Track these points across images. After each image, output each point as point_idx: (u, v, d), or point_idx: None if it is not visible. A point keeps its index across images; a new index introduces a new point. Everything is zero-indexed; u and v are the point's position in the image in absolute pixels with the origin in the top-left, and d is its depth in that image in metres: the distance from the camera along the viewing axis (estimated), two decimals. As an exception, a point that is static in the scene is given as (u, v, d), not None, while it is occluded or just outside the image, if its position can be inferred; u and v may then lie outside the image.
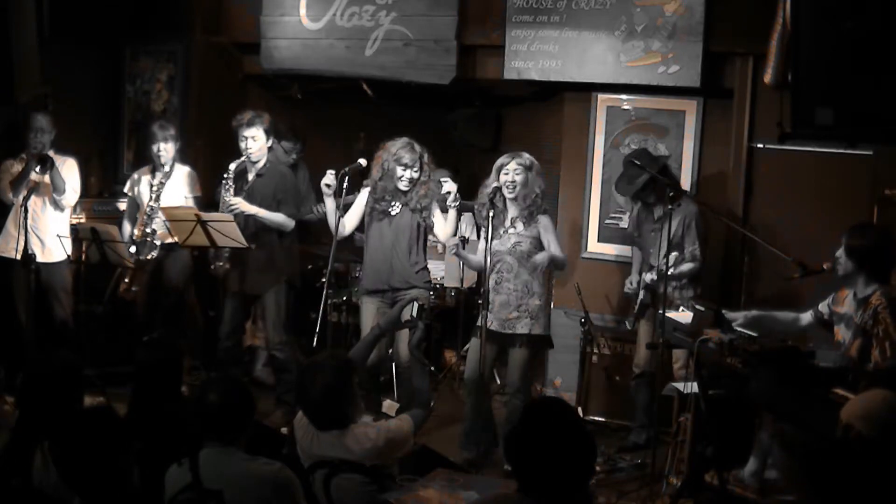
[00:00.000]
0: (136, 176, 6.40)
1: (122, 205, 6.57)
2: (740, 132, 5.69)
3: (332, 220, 5.40)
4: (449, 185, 5.27)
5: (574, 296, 5.94)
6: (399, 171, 5.34)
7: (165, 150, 6.20)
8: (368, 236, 5.54)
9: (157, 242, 6.11)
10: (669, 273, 5.17)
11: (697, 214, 5.39)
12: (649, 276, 5.38)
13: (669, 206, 5.12)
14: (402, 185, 5.36)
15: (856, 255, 4.29)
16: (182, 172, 6.33)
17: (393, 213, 5.42)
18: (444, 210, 5.34)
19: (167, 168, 6.23)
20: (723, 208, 5.66)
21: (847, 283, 4.39)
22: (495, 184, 5.17)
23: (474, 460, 5.19)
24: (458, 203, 5.27)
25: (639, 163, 5.41)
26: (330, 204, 5.41)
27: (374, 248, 5.49)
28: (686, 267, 5.34)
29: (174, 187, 6.25)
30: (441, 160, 6.98)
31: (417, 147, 5.38)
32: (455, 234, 5.45)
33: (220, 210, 5.76)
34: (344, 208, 5.42)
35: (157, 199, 6.15)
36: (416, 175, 5.36)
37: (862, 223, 4.50)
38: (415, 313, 4.42)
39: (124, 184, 6.55)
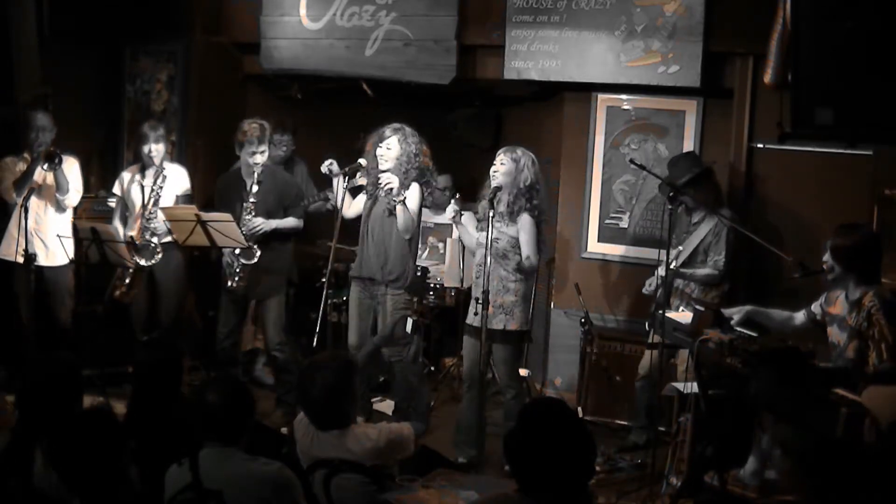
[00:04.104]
0: (124, 176, 6.38)
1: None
2: (740, 132, 5.69)
3: (338, 201, 5.45)
4: (388, 179, 5.24)
5: (574, 296, 5.94)
6: (377, 149, 5.40)
7: (157, 150, 6.18)
8: (366, 220, 5.55)
9: (159, 250, 6.09)
10: (682, 271, 5.25)
11: (731, 218, 5.34)
12: (660, 271, 5.33)
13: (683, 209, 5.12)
14: (380, 163, 5.39)
15: (841, 256, 4.28)
16: (172, 170, 6.31)
17: (391, 205, 5.40)
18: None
19: (160, 168, 6.21)
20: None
21: (837, 285, 4.39)
22: (494, 183, 5.14)
23: (472, 461, 5.17)
24: (402, 199, 5.25)
25: (685, 162, 5.44)
26: (337, 184, 5.46)
27: (367, 234, 5.52)
28: (702, 272, 5.32)
29: (165, 186, 6.23)
30: (441, 160, 6.99)
31: (405, 128, 5.41)
32: (409, 229, 5.39)
33: (245, 233, 5.72)
34: (351, 192, 5.50)
35: (156, 201, 6.13)
36: (386, 152, 5.38)
37: (847, 224, 4.46)
38: (409, 329, 4.38)
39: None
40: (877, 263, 4.32)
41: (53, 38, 6.18)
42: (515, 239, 5.14)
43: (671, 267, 5.08)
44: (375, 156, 5.42)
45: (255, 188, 5.78)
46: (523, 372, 6.27)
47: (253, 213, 5.76)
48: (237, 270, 5.78)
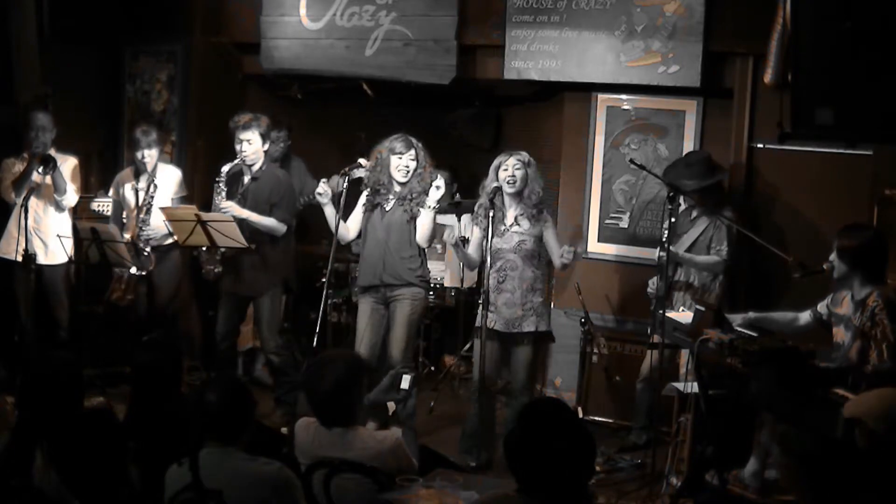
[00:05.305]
0: (119, 179, 6.39)
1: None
2: (740, 132, 5.69)
3: (332, 225, 5.38)
4: (438, 191, 5.20)
5: (574, 296, 5.94)
6: (394, 160, 5.30)
7: (150, 155, 6.19)
8: (364, 231, 5.47)
9: (152, 259, 6.09)
10: (682, 255, 5.29)
11: (731, 219, 5.36)
12: (659, 255, 5.30)
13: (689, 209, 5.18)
14: (400, 176, 5.31)
15: (848, 256, 4.30)
16: (166, 173, 6.32)
17: (387, 207, 5.37)
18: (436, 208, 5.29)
19: (152, 173, 6.21)
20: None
21: (843, 285, 4.39)
22: (495, 183, 5.17)
23: (480, 465, 5.16)
24: (436, 206, 5.21)
25: (705, 167, 5.44)
26: (329, 211, 5.38)
27: (367, 243, 5.43)
28: (705, 258, 5.36)
29: (160, 189, 6.24)
30: (441, 160, 6.99)
31: (413, 139, 5.35)
32: (433, 237, 5.38)
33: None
34: (340, 198, 5.40)
35: (148, 209, 6.13)
36: (412, 164, 5.31)
37: (852, 224, 4.49)
38: (407, 385, 4.36)
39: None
40: (882, 263, 4.33)
41: (53, 38, 6.19)
42: (540, 238, 5.22)
43: (671, 249, 5.08)
44: (389, 167, 5.31)
45: (225, 168, 5.75)
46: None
47: (223, 196, 5.71)
48: (207, 258, 5.75)
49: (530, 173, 5.18)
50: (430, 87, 6.42)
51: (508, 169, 5.16)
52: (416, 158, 5.32)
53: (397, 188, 5.35)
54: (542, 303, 5.27)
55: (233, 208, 5.66)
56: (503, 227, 5.21)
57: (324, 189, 5.33)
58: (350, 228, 5.51)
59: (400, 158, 5.30)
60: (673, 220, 5.14)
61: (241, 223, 5.64)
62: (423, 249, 5.43)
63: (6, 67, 5.47)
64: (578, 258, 5.37)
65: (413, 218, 5.32)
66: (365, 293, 5.46)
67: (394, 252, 5.33)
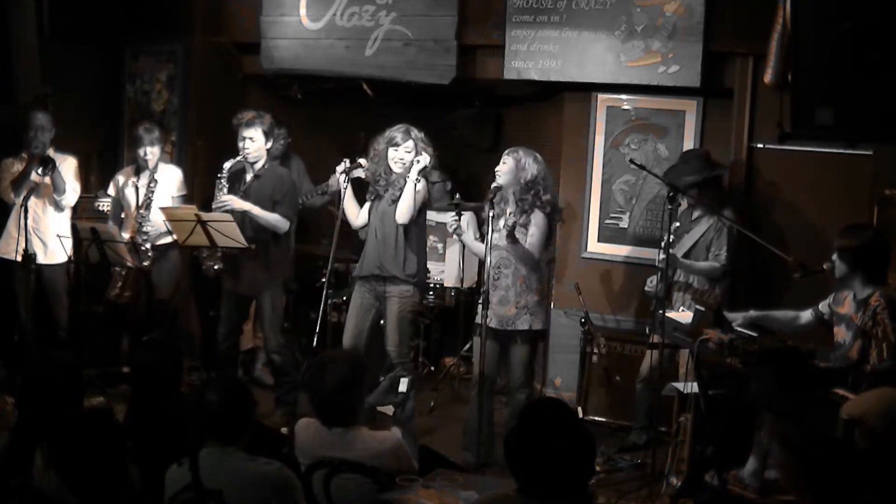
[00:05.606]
0: (119, 177, 6.39)
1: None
2: (740, 132, 5.69)
3: (340, 204, 5.42)
4: (419, 164, 5.20)
5: (574, 296, 5.94)
6: (391, 152, 5.31)
7: (151, 153, 6.20)
8: (371, 220, 5.49)
9: (150, 254, 6.09)
10: (682, 261, 5.28)
11: (732, 219, 5.36)
12: (660, 257, 5.30)
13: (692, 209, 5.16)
14: (397, 168, 5.32)
15: (848, 256, 4.31)
16: (167, 172, 6.31)
17: (384, 197, 5.39)
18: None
19: (153, 171, 6.21)
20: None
21: (845, 285, 4.40)
22: (494, 183, 5.18)
23: (479, 462, 5.16)
24: (418, 178, 5.19)
25: (695, 164, 5.43)
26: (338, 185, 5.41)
27: (368, 234, 5.47)
28: (704, 264, 5.36)
29: (160, 187, 6.24)
30: (441, 160, 7.00)
31: (413, 130, 5.34)
32: (414, 211, 5.30)
33: (213, 208, 5.73)
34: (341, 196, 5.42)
35: (148, 205, 6.14)
36: (408, 156, 5.30)
37: (853, 224, 4.50)
38: (405, 388, 4.34)
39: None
40: (883, 263, 4.34)
41: (53, 38, 6.19)
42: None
43: (671, 251, 5.08)
44: (386, 159, 5.33)
45: (227, 164, 5.75)
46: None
47: (225, 191, 5.70)
48: (207, 255, 5.74)
49: (518, 167, 5.14)
50: (430, 87, 6.42)
51: (498, 165, 5.18)
52: (414, 150, 5.32)
53: (394, 178, 5.37)
54: (538, 302, 5.25)
55: (233, 201, 5.65)
56: (501, 223, 5.21)
57: (344, 166, 5.36)
58: (360, 216, 5.52)
59: (396, 150, 5.31)
60: (677, 224, 5.15)
61: (243, 222, 5.64)
62: (419, 248, 5.41)
63: (6, 67, 5.46)
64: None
65: (396, 202, 5.31)
66: (360, 281, 5.48)
67: (388, 245, 5.34)
